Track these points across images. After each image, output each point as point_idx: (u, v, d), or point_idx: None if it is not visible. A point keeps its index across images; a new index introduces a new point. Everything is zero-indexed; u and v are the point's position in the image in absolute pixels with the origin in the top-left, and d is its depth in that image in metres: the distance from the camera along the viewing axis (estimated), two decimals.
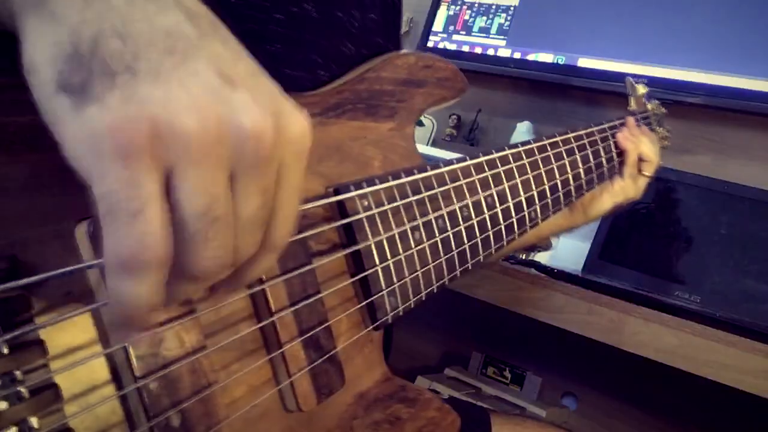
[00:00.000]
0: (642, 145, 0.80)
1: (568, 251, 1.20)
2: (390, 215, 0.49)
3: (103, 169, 0.24)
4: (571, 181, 0.69)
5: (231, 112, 0.27)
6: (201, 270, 0.27)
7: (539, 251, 1.15)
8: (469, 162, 0.56)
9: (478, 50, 1.44)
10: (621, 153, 0.79)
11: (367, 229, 0.47)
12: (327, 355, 0.44)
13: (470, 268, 0.56)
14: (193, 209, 0.26)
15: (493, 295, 0.93)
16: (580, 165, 0.70)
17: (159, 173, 0.25)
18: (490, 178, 0.58)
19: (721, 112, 1.18)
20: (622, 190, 0.81)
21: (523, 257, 1.13)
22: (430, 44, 1.49)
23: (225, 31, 0.30)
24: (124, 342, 0.32)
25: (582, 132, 0.72)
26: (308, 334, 0.43)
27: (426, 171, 0.52)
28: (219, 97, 0.26)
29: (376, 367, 0.51)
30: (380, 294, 0.48)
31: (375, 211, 0.48)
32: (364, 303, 0.48)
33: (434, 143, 1.50)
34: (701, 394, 1.09)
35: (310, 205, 0.43)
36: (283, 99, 0.30)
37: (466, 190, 0.56)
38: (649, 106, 0.91)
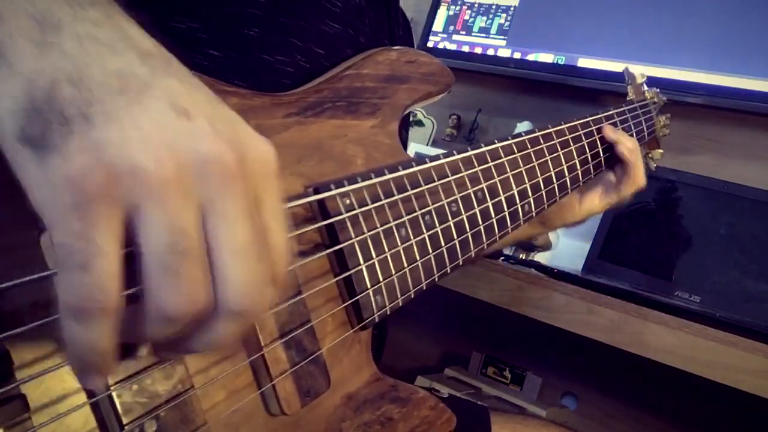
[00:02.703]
0: (639, 163, 0.76)
1: (568, 251, 1.20)
2: (374, 213, 0.48)
3: (60, 219, 0.25)
4: (566, 173, 0.68)
5: (187, 142, 0.27)
6: (174, 307, 0.27)
7: (539, 251, 1.15)
8: (456, 157, 0.55)
9: (478, 50, 1.44)
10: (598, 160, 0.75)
11: (350, 228, 0.46)
12: (310, 357, 0.44)
13: (461, 263, 0.55)
14: (159, 244, 0.26)
15: (493, 295, 0.93)
16: (575, 156, 0.69)
17: (116, 219, 0.26)
18: (479, 173, 0.57)
19: (721, 112, 1.18)
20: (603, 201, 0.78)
21: (523, 257, 1.13)
22: (430, 44, 1.49)
23: (180, 67, 0.30)
24: (94, 387, 0.30)
25: (577, 123, 0.71)
26: (289, 336, 0.42)
27: (411, 167, 0.51)
28: (173, 129, 0.27)
29: (364, 368, 0.50)
30: (365, 293, 0.47)
31: (358, 210, 0.47)
32: (348, 302, 0.47)
33: (434, 143, 1.50)
34: (701, 394, 1.09)
35: (288, 205, 0.42)
36: (244, 125, 0.30)
37: (454, 186, 0.54)
38: (647, 95, 0.90)
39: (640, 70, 1.21)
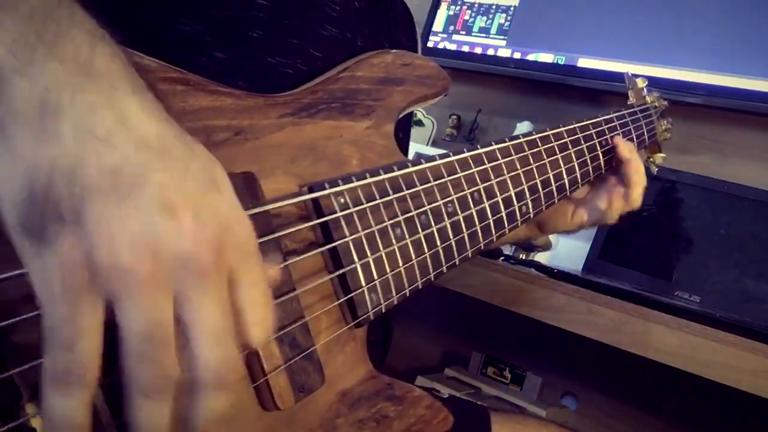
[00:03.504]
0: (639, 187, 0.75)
1: (568, 251, 1.20)
2: (368, 212, 0.48)
3: (50, 306, 0.28)
4: (564, 175, 0.68)
5: (169, 241, 0.29)
6: (149, 386, 0.30)
7: (539, 251, 1.15)
8: (453, 158, 0.55)
9: (478, 50, 1.44)
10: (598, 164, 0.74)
11: (344, 226, 0.47)
12: (304, 353, 0.44)
13: (457, 263, 0.56)
14: (135, 333, 0.29)
15: (493, 295, 0.93)
16: (574, 159, 0.69)
17: (98, 307, 0.29)
18: (476, 174, 0.57)
19: (721, 112, 1.18)
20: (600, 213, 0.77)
21: (523, 257, 1.13)
22: (430, 44, 1.49)
23: (177, 148, 0.31)
24: None
25: (576, 126, 0.71)
26: (283, 332, 0.43)
27: (406, 167, 0.52)
28: (158, 230, 0.29)
29: (360, 365, 0.50)
30: (360, 291, 0.48)
31: (352, 209, 0.47)
32: (343, 299, 0.48)
33: (434, 143, 1.50)
34: (701, 394, 1.09)
35: (282, 203, 0.43)
36: (227, 203, 0.32)
37: (450, 186, 0.55)
38: (648, 99, 0.90)
39: (640, 70, 1.21)
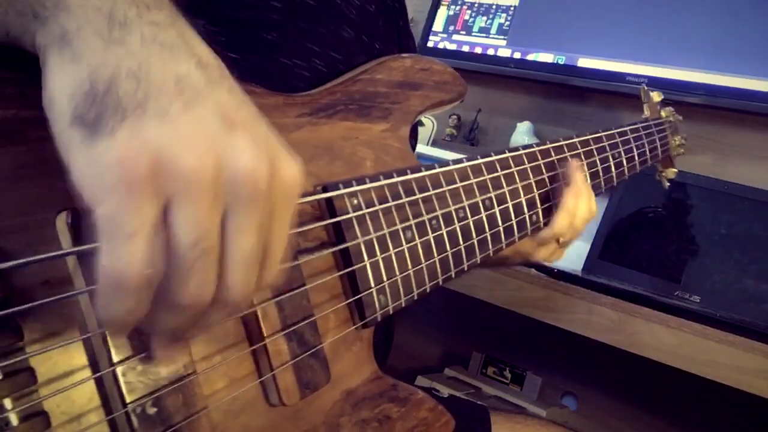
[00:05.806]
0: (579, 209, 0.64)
1: (568, 251, 1.19)
2: (381, 214, 0.49)
3: (107, 195, 0.27)
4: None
5: (229, 153, 0.29)
6: (181, 298, 0.29)
7: None
8: (465, 164, 0.56)
9: (478, 50, 1.44)
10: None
11: (356, 227, 0.47)
12: (311, 350, 0.44)
13: (466, 269, 0.56)
14: (185, 240, 0.28)
15: (493, 295, 0.93)
16: (586, 170, 0.69)
17: (157, 203, 0.28)
18: (488, 181, 0.58)
19: (721, 112, 1.18)
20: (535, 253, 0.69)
21: None
22: (430, 44, 1.49)
23: (232, 80, 0.32)
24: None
25: (589, 137, 0.71)
26: (292, 328, 0.43)
27: (420, 172, 0.52)
28: (219, 139, 0.29)
29: (365, 365, 0.51)
30: (369, 291, 0.48)
31: (365, 210, 0.48)
32: (351, 299, 0.48)
33: (434, 143, 1.50)
34: (701, 394, 1.09)
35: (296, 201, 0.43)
36: (280, 145, 0.32)
37: (462, 192, 0.55)
38: (663, 114, 0.91)
39: (640, 70, 1.21)
